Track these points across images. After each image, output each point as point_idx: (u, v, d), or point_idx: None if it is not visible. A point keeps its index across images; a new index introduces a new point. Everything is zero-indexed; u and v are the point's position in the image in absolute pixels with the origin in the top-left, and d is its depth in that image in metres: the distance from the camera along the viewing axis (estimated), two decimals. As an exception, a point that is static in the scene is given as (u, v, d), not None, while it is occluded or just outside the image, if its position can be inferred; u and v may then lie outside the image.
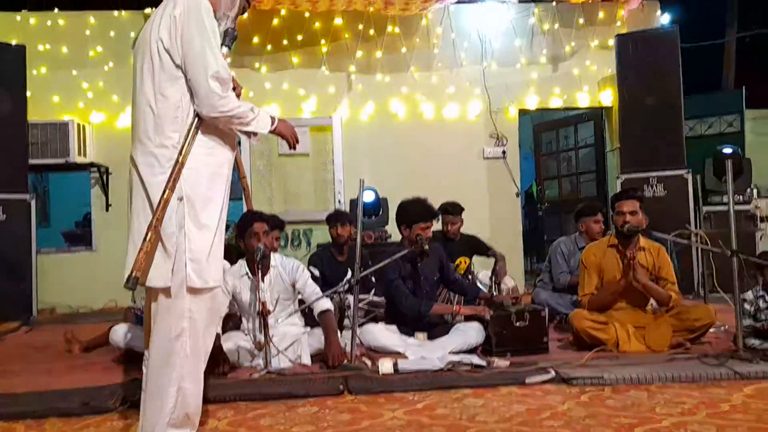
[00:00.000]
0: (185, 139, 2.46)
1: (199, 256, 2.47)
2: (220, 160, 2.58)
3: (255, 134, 2.65)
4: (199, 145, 2.50)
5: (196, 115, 2.50)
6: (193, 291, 2.47)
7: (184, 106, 2.49)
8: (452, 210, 5.66)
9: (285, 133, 2.78)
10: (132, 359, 4.17)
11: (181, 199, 2.44)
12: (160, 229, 2.41)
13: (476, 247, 5.90)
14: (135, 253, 2.42)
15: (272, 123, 2.68)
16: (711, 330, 4.34)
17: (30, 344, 5.10)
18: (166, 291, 2.46)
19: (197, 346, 2.52)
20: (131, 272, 2.36)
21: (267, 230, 4.14)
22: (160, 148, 2.47)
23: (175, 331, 2.47)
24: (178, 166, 2.43)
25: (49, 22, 7.57)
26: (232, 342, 3.99)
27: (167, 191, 2.41)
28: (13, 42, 7.01)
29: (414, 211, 4.51)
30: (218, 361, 3.70)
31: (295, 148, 2.86)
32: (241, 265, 4.22)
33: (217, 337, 3.87)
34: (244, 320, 4.25)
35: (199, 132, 2.51)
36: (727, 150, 7.10)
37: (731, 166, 4.01)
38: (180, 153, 2.45)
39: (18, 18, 7.55)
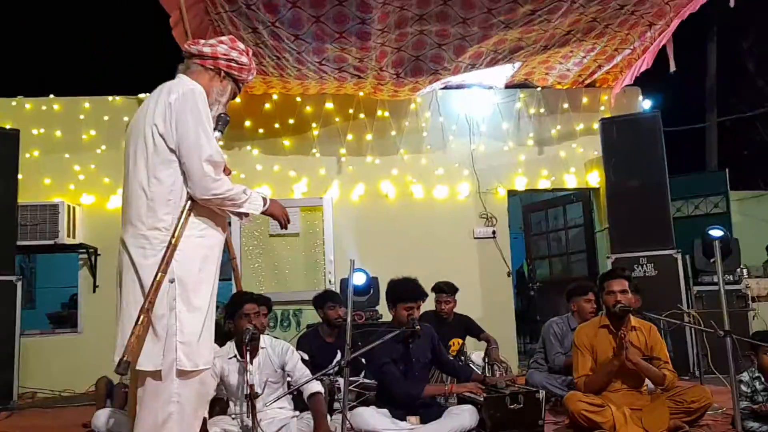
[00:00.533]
0: (178, 222, 2.47)
1: (190, 338, 2.44)
2: (211, 242, 2.59)
3: (246, 215, 2.67)
4: (192, 228, 2.52)
5: (189, 197, 2.51)
6: (183, 374, 2.42)
7: (177, 189, 2.52)
8: (447, 289, 5.65)
9: (276, 213, 2.81)
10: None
11: (172, 281, 2.43)
12: (152, 312, 2.37)
13: (469, 328, 5.84)
14: (124, 336, 2.37)
15: (264, 204, 2.71)
16: (708, 412, 4.25)
17: (8, 431, 4.92)
18: (155, 374, 2.40)
19: (185, 430, 2.43)
20: (122, 356, 2.30)
21: (258, 311, 4.09)
22: (153, 230, 2.48)
23: (162, 416, 2.39)
24: (170, 249, 2.43)
25: (44, 107, 7.71)
26: (218, 427, 3.87)
27: (159, 273, 2.39)
28: (8, 126, 7.09)
29: (397, 290, 4.52)
30: None
31: (286, 227, 2.88)
32: (230, 347, 4.14)
33: (204, 421, 3.76)
34: (231, 404, 4.13)
35: (192, 215, 2.52)
36: (715, 233, 7.15)
37: (719, 247, 4.04)
38: (173, 236, 2.44)
39: (13, 103, 7.68)
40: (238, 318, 4.02)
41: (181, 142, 2.50)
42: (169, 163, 2.52)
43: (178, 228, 2.47)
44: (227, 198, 2.55)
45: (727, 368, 3.75)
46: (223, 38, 2.79)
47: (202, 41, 2.77)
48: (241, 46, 2.82)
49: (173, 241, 2.45)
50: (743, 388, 4.02)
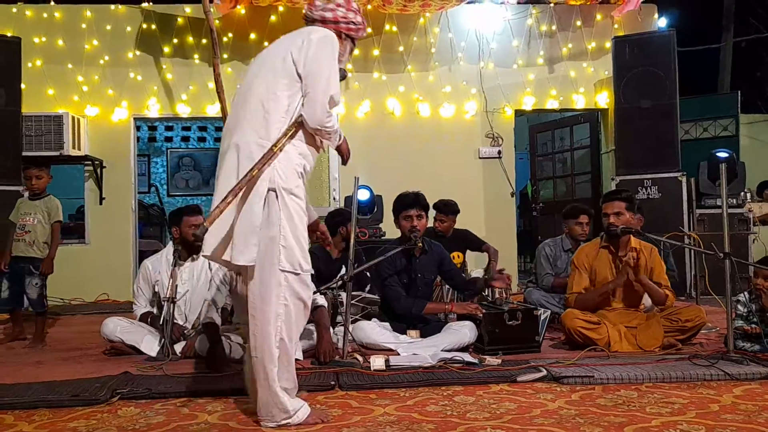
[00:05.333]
0: (283, 136, 2.73)
1: (290, 242, 2.68)
2: (304, 162, 2.83)
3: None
4: (294, 146, 2.78)
5: (299, 119, 2.77)
6: (285, 276, 2.66)
7: (291, 109, 2.77)
8: (443, 209, 5.67)
9: (344, 150, 3.09)
10: (122, 352, 4.17)
11: (274, 189, 2.68)
12: (239, 196, 2.64)
13: (469, 242, 5.90)
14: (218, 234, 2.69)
15: (340, 138, 3.00)
16: (702, 331, 4.36)
17: (22, 336, 5.06)
18: (265, 275, 2.65)
19: (293, 327, 2.72)
20: (204, 222, 2.57)
21: None
22: (265, 140, 2.72)
23: (275, 312, 2.66)
24: (270, 153, 2.68)
25: (45, 15, 7.56)
26: (224, 336, 3.99)
27: (256, 170, 2.64)
28: (9, 34, 6.98)
29: (397, 201, 4.63)
30: (223, 359, 3.74)
31: (345, 163, 3.22)
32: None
33: (216, 328, 3.90)
34: (238, 314, 4.23)
35: (297, 135, 2.79)
36: (722, 155, 7.13)
37: (725, 170, 4.02)
38: (275, 145, 2.70)
39: (14, 10, 7.53)
40: None
41: (311, 73, 2.75)
42: (292, 86, 2.77)
43: (282, 140, 2.71)
44: (330, 132, 2.83)
45: (724, 290, 3.80)
46: (339, 1, 3.00)
47: (320, 4, 2.99)
48: (355, 5, 3.05)
49: (274, 149, 2.68)
50: (740, 307, 4.08)
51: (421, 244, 4.47)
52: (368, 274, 4.79)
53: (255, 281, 2.69)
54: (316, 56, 2.78)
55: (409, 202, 4.54)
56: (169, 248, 4.48)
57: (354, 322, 4.37)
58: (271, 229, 2.66)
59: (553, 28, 7.96)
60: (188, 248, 4.40)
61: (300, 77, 2.77)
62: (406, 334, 4.35)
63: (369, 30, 7.65)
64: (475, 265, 6.30)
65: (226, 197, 2.60)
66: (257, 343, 2.68)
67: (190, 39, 7.65)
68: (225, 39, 7.60)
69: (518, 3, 7.92)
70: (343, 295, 4.29)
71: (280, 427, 2.70)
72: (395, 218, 4.62)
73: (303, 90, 2.77)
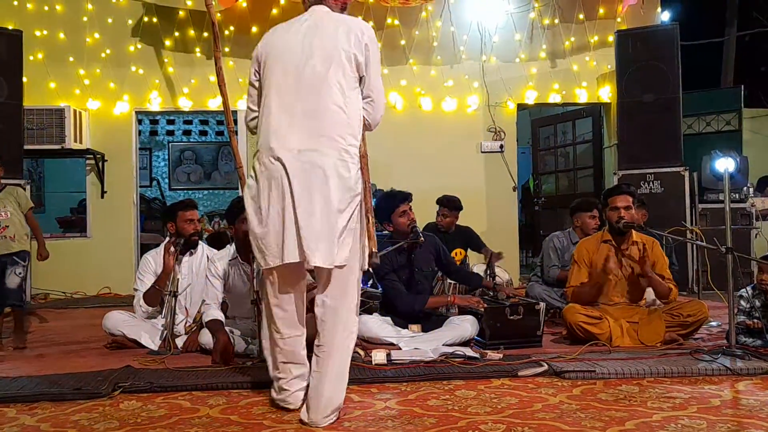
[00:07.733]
0: (363, 140, 2.86)
1: (363, 242, 2.82)
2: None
3: None
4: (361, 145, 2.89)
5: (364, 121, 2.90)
6: (359, 273, 2.85)
7: (360, 110, 2.86)
8: (447, 203, 5.68)
9: None
10: (124, 345, 4.17)
11: (358, 194, 2.79)
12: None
13: (470, 239, 5.90)
14: (310, 236, 2.64)
15: None
16: (704, 326, 4.35)
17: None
18: (350, 272, 2.75)
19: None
20: (371, 252, 2.76)
21: None
22: (352, 146, 2.77)
23: (355, 302, 2.82)
24: (365, 161, 2.82)
25: (46, 8, 7.54)
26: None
27: (367, 182, 2.80)
28: (10, 27, 6.96)
29: (384, 203, 4.56)
30: (230, 352, 3.74)
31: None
32: (230, 249, 4.20)
33: (221, 324, 3.90)
34: (233, 307, 4.22)
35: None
36: (725, 167, 7.05)
37: (728, 177, 4.02)
38: (362, 156, 2.82)
39: (15, 3, 7.51)
40: (239, 222, 4.05)
41: (373, 84, 2.86)
42: (356, 88, 2.83)
43: (363, 146, 2.84)
44: None
45: (726, 285, 3.79)
46: None
47: None
48: None
49: (363, 151, 2.82)
50: (743, 303, 4.06)
51: (422, 239, 4.46)
52: (370, 269, 4.77)
53: (340, 277, 2.73)
54: (374, 65, 2.88)
55: (400, 198, 4.50)
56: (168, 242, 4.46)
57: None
58: (356, 230, 2.77)
59: (556, 21, 7.93)
60: (186, 243, 4.40)
61: (360, 79, 2.85)
62: (407, 328, 4.35)
63: (371, 23, 7.64)
64: (477, 261, 6.28)
65: (368, 219, 2.78)
66: (337, 338, 2.75)
67: (192, 32, 7.64)
68: (227, 32, 7.58)
69: (520, -4, 7.89)
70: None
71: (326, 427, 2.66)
72: (386, 218, 4.55)
73: (365, 92, 2.86)
